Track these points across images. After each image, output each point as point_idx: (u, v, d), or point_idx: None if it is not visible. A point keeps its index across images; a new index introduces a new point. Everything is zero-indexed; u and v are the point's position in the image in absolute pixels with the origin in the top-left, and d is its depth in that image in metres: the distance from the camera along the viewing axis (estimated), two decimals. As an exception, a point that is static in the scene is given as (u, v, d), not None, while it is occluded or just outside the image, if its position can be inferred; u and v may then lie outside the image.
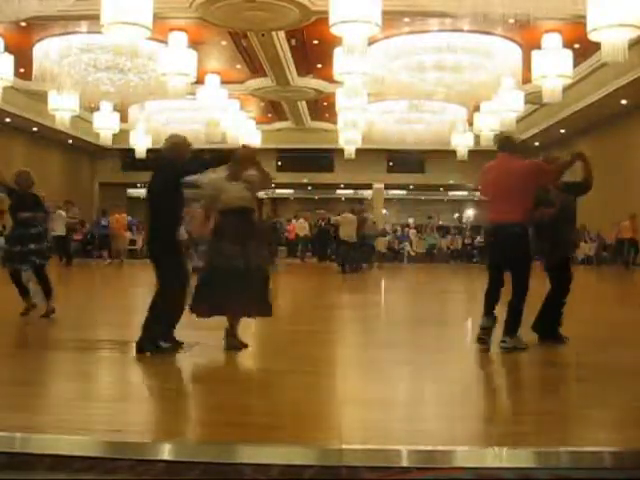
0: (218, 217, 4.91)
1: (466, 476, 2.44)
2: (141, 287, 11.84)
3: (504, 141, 5.27)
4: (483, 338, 4.94)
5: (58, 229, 15.08)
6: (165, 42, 13.83)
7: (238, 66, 17.04)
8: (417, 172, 27.90)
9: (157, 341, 4.69)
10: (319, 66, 16.49)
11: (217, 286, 4.71)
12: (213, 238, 4.90)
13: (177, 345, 4.77)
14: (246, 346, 4.90)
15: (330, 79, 15.65)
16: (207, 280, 4.79)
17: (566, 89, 14.96)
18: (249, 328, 6.80)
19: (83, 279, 13.85)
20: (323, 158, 27.38)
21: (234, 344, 4.83)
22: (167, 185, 4.67)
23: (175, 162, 4.71)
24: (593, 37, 10.66)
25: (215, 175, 4.99)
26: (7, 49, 14.11)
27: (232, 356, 4.90)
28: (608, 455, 2.65)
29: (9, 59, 14.20)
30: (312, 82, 18.26)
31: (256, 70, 17.19)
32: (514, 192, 4.91)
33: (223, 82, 17.52)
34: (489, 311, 5.00)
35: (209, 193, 4.99)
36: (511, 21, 11.58)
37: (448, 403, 3.62)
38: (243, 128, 21.59)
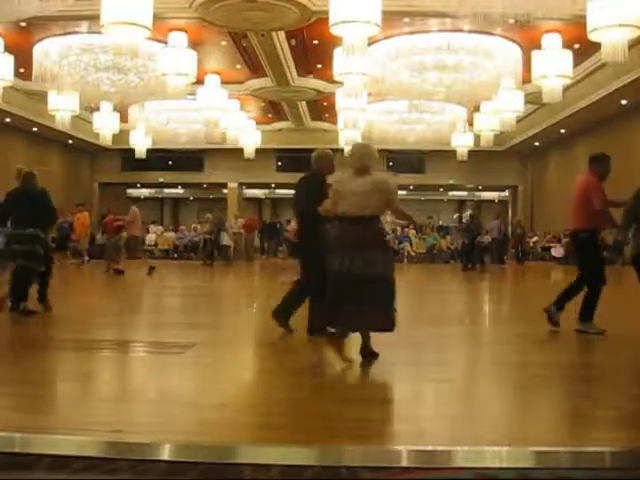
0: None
1: (466, 476, 2.43)
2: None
3: (592, 158, 6.00)
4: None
5: None
6: (165, 42, 13.83)
7: (238, 66, 17.04)
8: (417, 172, 27.90)
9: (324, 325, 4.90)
10: (319, 66, 16.49)
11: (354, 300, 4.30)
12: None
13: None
14: (376, 355, 4.50)
15: (330, 79, 15.64)
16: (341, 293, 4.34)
17: (566, 89, 14.95)
18: (247, 332, 6.81)
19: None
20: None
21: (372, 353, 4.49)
22: (313, 191, 5.17)
23: (321, 171, 5.43)
24: (593, 37, 10.66)
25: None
26: (7, 49, 14.11)
27: (230, 356, 4.90)
28: (608, 455, 2.64)
29: (9, 59, 14.20)
30: (312, 82, 18.26)
31: (256, 70, 17.19)
32: (580, 203, 5.82)
33: (223, 82, 17.52)
34: (562, 304, 5.86)
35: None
36: (511, 21, 11.58)
37: (448, 403, 3.62)
38: (243, 128, 21.60)
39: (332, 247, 4.48)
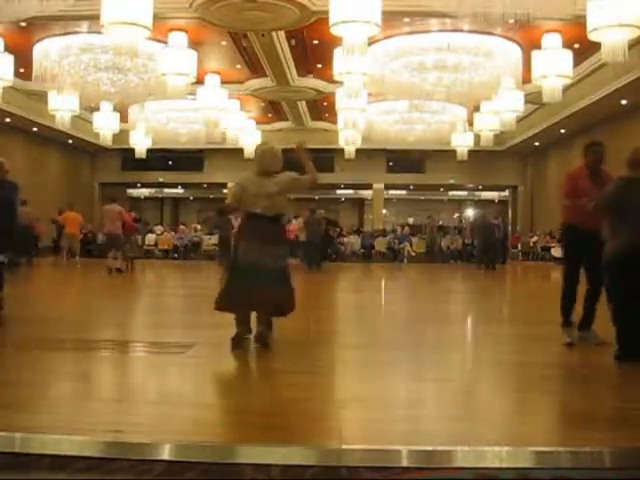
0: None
1: (466, 476, 2.44)
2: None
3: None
4: None
5: None
6: (165, 42, 13.83)
7: (238, 66, 17.03)
8: (417, 172, 27.89)
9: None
10: (319, 66, 16.48)
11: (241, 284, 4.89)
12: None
13: None
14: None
15: (330, 79, 15.63)
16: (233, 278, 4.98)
17: (566, 89, 14.95)
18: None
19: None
20: (323, 158, 27.34)
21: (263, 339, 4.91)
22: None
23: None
24: (593, 37, 10.65)
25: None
26: (7, 49, 14.10)
27: (231, 356, 4.90)
28: (608, 455, 2.64)
29: (9, 59, 14.20)
30: (312, 82, 18.25)
31: (256, 70, 17.18)
32: None
33: (223, 82, 17.51)
34: None
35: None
36: (511, 21, 11.57)
37: (448, 403, 3.62)
38: (243, 128, 21.59)
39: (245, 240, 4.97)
